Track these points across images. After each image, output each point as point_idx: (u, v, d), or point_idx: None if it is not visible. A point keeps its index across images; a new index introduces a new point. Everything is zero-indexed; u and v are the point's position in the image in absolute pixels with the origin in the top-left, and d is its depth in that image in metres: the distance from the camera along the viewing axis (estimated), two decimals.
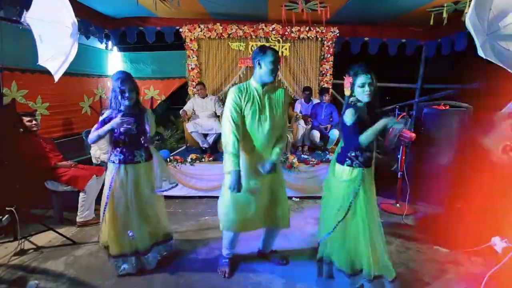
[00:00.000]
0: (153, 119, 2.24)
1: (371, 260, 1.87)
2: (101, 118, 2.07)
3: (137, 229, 2.11)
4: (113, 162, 2.06)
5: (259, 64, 1.91)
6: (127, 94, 2.03)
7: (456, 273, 2.26)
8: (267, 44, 4.58)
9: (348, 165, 1.90)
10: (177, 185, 2.40)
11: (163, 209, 2.37)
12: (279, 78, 4.77)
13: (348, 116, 1.86)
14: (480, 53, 1.74)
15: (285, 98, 2.07)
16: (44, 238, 2.68)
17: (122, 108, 2.07)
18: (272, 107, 1.99)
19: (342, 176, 1.93)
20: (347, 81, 1.89)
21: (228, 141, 1.87)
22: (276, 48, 4.62)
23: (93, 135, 2.03)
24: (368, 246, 1.87)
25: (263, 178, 2.02)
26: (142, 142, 2.14)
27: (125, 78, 2.04)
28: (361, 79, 1.82)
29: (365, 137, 1.82)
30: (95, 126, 2.08)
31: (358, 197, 1.88)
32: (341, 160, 1.95)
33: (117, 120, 1.96)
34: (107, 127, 1.98)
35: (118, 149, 2.06)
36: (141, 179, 2.13)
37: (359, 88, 1.84)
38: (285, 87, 4.78)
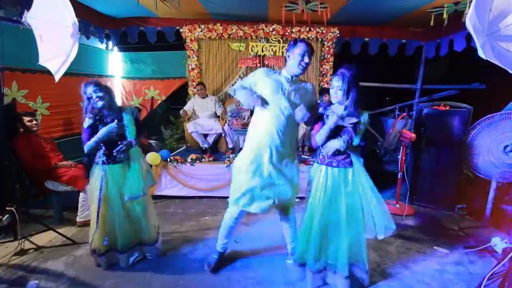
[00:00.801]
0: (132, 120, 2.19)
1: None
2: (85, 126, 2.07)
3: (118, 227, 2.18)
4: (98, 163, 2.15)
5: (288, 56, 1.92)
6: (95, 97, 2.06)
7: (456, 274, 2.27)
8: (267, 45, 4.59)
9: (316, 162, 2.04)
10: (145, 194, 2.23)
11: (150, 211, 2.34)
12: None
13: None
14: (481, 53, 1.74)
15: (310, 96, 2.04)
16: (44, 238, 2.68)
17: (97, 111, 2.10)
18: (295, 100, 1.95)
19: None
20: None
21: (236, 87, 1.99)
22: (276, 48, 4.62)
23: (90, 144, 2.06)
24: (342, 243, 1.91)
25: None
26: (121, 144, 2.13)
27: (88, 83, 2.09)
28: (333, 81, 1.87)
29: (318, 135, 1.90)
30: (83, 135, 2.09)
31: (320, 193, 1.92)
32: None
33: (113, 124, 2.05)
34: (103, 132, 2.04)
35: (101, 150, 2.13)
36: (122, 179, 2.17)
37: (331, 89, 1.89)
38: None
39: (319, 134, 1.90)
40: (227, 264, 2.31)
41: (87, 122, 2.07)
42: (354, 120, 1.83)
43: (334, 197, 1.92)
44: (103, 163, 2.12)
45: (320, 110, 1.99)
